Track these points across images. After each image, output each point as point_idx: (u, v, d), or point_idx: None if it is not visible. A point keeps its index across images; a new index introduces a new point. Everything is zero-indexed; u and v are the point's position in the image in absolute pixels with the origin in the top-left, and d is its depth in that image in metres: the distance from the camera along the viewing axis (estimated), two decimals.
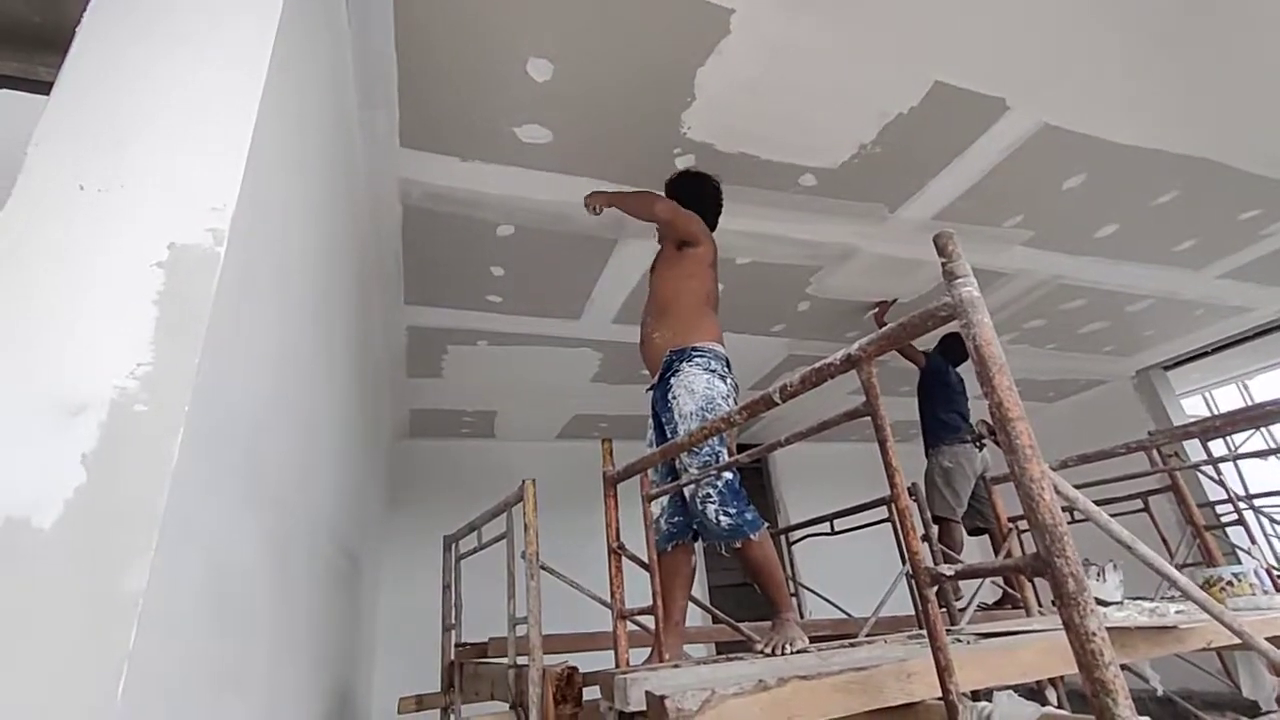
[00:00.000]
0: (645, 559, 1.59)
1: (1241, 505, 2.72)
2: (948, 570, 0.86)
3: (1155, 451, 2.63)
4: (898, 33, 1.98)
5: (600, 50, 1.94)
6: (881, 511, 3.13)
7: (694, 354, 1.96)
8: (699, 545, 1.99)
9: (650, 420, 2.09)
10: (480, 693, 2.25)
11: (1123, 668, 0.65)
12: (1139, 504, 3.01)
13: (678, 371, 1.95)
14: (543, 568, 1.77)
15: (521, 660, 1.76)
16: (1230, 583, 1.96)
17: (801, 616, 2.95)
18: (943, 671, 0.83)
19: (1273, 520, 2.84)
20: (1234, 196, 3.01)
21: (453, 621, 2.66)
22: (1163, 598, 2.45)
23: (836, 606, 3.47)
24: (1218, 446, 3.00)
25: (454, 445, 5.48)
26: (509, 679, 1.85)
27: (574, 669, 1.64)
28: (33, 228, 0.80)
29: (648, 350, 2.13)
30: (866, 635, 1.87)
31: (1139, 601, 2.26)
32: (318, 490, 1.78)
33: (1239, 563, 2.21)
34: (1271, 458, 2.45)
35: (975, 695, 1.07)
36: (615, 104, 2.14)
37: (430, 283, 3.11)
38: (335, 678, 2.19)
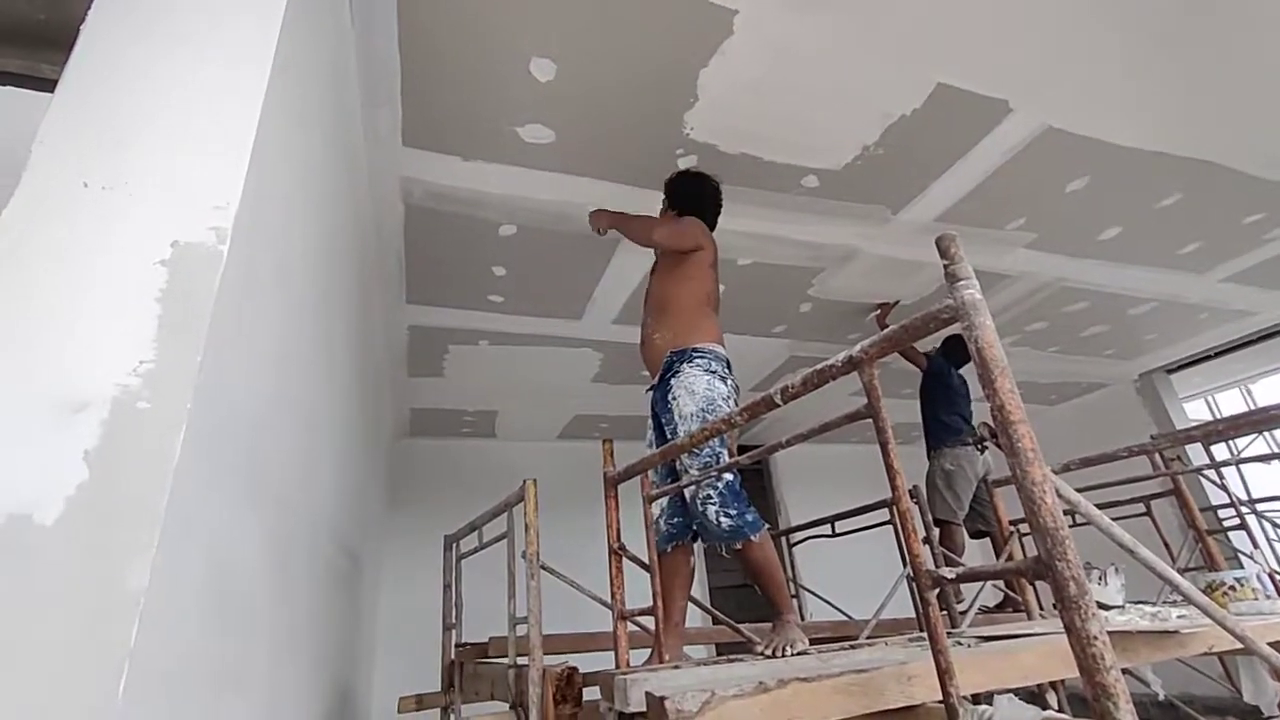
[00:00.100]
0: (646, 560, 1.59)
1: (1244, 509, 2.71)
2: (949, 573, 0.86)
3: (1158, 455, 2.63)
4: (900, 34, 1.97)
5: (603, 51, 1.94)
6: (883, 514, 3.12)
7: (694, 355, 1.96)
8: (699, 546, 1.99)
9: (649, 421, 2.09)
10: (480, 692, 2.25)
11: (1124, 672, 0.65)
12: (1141, 508, 3.01)
13: (678, 372, 1.95)
14: (543, 568, 1.77)
15: (522, 660, 1.76)
16: (1232, 587, 1.96)
17: (802, 618, 2.94)
18: (943, 674, 0.82)
19: (1275, 525, 2.83)
20: (1238, 200, 3.00)
21: (453, 621, 2.66)
22: (1164, 602, 2.45)
23: (837, 609, 3.47)
24: (1220, 450, 3.00)
25: (455, 445, 5.48)
26: (509, 679, 1.85)
27: (574, 669, 1.64)
28: (36, 225, 0.81)
29: (648, 351, 2.12)
30: (867, 637, 1.87)
31: (1141, 605, 2.26)
32: (318, 489, 1.78)
33: (1241, 567, 2.20)
34: (1274, 462, 2.45)
35: (976, 698, 1.07)
36: (618, 104, 2.14)
37: (432, 282, 3.11)
38: (335, 676, 2.19)
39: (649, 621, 1.57)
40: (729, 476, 1.79)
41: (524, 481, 1.86)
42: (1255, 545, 2.59)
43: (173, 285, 0.82)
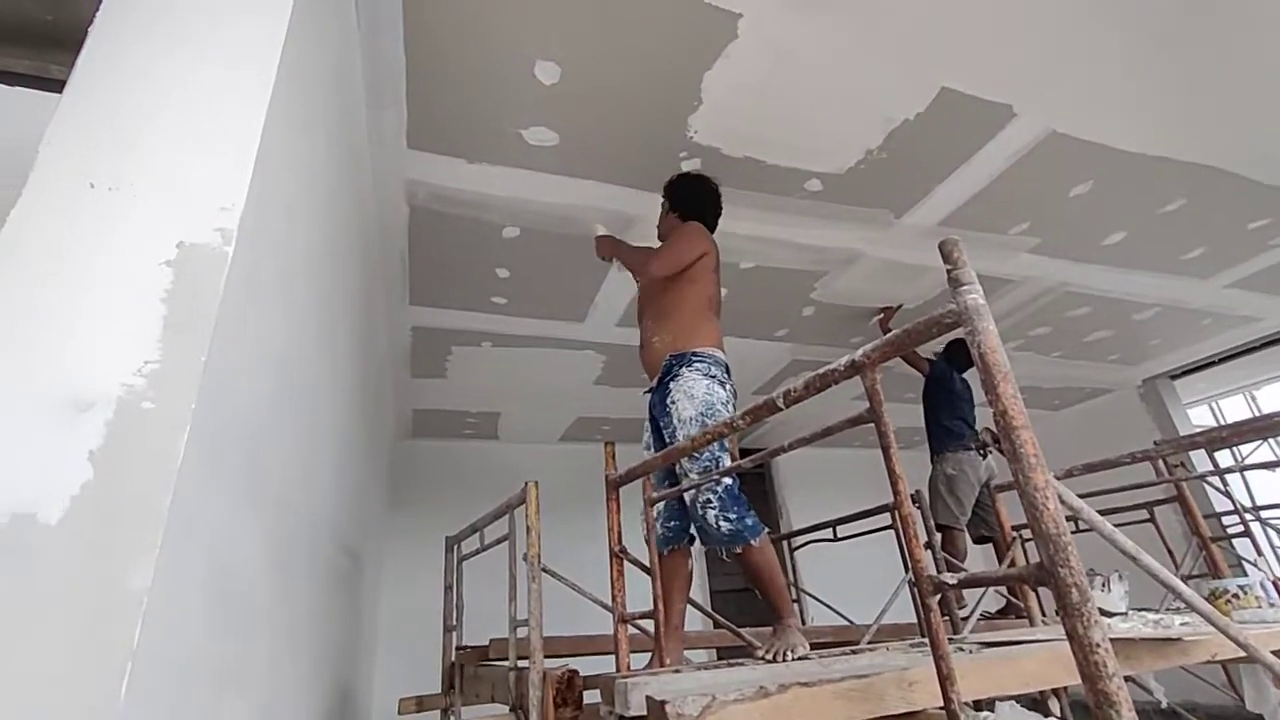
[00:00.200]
0: (647, 563, 1.59)
1: (1248, 517, 2.69)
2: (951, 578, 0.86)
3: (1161, 461, 2.61)
4: (904, 38, 1.97)
5: (607, 54, 1.95)
6: (885, 518, 3.12)
7: (694, 359, 1.96)
8: (699, 550, 1.98)
9: (647, 424, 2.09)
10: (481, 695, 2.25)
11: (1126, 679, 0.65)
12: (1144, 514, 2.99)
13: (677, 376, 1.94)
14: (544, 570, 1.77)
15: (522, 663, 1.76)
16: (1236, 595, 1.95)
17: (803, 623, 2.94)
18: (945, 680, 0.82)
19: (1279, 532, 2.82)
20: (1242, 205, 2.99)
21: (454, 623, 2.66)
22: (1167, 609, 2.44)
23: (838, 613, 3.46)
24: (1224, 457, 2.99)
25: (457, 446, 5.48)
26: (509, 681, 1.85)
27: (574, 672, 1.64)
28: (42, 226, 0.81)
29: (647, 355, 2.12)
30: (868, 642, 1.86)
31: (1143, 613, 2.25)
32: (320, 489, 1.78)
33: (1245, 575, 2.19)
34: (1279, 469, 2.44)
35: (978, 705, 1.07)
36: (622, 107, 2.14)
37: (435, 284, 3.12)
38: (336, 677, 2.19)
39: (649, 624, 1.57)
40: (728, 480, 1.79)
41: (525, 483, 1.87)
42: (1259, 553, 2.57)
43: (178, 286, 0.83)
